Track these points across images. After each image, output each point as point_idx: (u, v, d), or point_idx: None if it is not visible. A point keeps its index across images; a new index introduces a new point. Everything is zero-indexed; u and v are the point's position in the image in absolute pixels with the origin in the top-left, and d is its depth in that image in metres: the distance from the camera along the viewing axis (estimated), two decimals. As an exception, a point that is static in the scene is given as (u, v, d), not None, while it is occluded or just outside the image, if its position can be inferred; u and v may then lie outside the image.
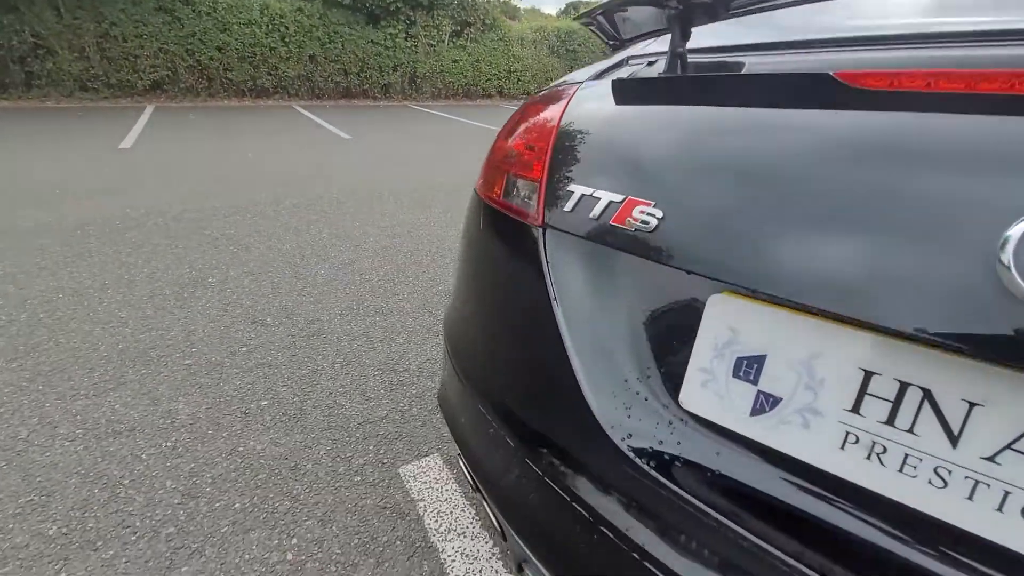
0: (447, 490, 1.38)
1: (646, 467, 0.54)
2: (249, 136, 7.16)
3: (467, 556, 1.19)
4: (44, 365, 1.83)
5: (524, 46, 14.66)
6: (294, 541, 1.21)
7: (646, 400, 0.56)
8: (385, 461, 1.47)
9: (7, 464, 1.40)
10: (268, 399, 1.71)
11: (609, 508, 0.55)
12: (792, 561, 0.44)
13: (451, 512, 1.31)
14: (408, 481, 1.40)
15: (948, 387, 0.39)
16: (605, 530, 0.54)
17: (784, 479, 0.47)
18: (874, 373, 0.42)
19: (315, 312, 2.30)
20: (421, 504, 1.33)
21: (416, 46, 12.87)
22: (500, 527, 0.87)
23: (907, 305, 0.38)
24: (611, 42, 0.80)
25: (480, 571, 1.16)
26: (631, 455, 0.55)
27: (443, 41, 13.19)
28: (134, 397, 1.69)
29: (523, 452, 0.66)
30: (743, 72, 0.63)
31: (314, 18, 11.55)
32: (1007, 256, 0.34)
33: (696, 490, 0.51)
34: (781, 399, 0.47)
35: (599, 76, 0.81)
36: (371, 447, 1.52)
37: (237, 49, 10.72)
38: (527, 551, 0.69)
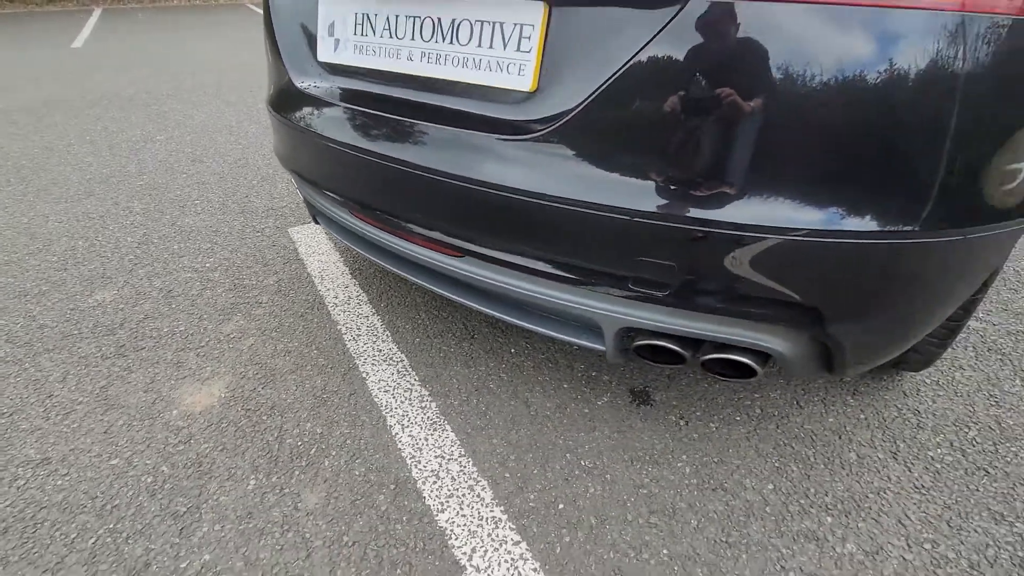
0: (319, 238, 2.04)
1: (320, 96, 1.14)
2: (197, 32, 7.21)
3: (321, 264, 1.87)
4: (31, 187, 2.43)
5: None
6: (211, 259, 1.88)
7: (312, 66, 1.15)
8: (279, 226, 2.12)
9: (17, 232, 2.04)
10: (200, 201, 2.33)
11: (315, 122, 1.15)
12: (360, 108, 1.05)
13: (318, 246, 1.97)
14: (293, 234, 2.06)
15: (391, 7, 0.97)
16: (319, 135, 1.14)
17: (347, 79, 1.08)
18: (367, 13, 0.99)
19: (243, 154, 2.86)
20: (299, 243, 1.99)
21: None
22: (304, 198, 1.51)
23: None
24: None
25: (328, 271, 1.83)
26: (314, 93, 1.15)
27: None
28: (101, 203, 2.30)
29: (282, 116, 1.25)
30: None
31: (256, -99, 10.72)
32: None
33: (336, 97, 1.11)
34: (340, 39, 1.06)
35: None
36: (271, 221, 2.16)
37: (178, -60, 10.13)
38: (311, 194, 1.34)
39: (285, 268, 1.84)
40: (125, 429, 1.21)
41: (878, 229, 0.72)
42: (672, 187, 0.77)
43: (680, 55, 0.71)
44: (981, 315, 1.57)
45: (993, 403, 1.26)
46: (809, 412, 1.25)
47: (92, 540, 0.98)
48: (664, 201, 0.77)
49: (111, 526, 1.00)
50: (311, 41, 1.13)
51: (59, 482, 1.09)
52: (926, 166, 0.70)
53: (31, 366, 1.40)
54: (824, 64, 0.66)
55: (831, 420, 1.23)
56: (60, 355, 1.43)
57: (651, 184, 0.78)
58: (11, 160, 2.76)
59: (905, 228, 0.73)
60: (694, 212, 0.76)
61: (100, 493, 1.06)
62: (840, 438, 1.18)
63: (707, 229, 0.76)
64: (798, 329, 0.86)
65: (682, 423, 1.22)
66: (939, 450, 1.14)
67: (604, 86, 0.76)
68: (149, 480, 1.09)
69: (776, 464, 1.13)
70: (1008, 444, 1.15)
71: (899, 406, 1.26)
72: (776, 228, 0.73)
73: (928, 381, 1.33)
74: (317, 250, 1.94)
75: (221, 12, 9.28)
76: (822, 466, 1.12)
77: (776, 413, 1.25)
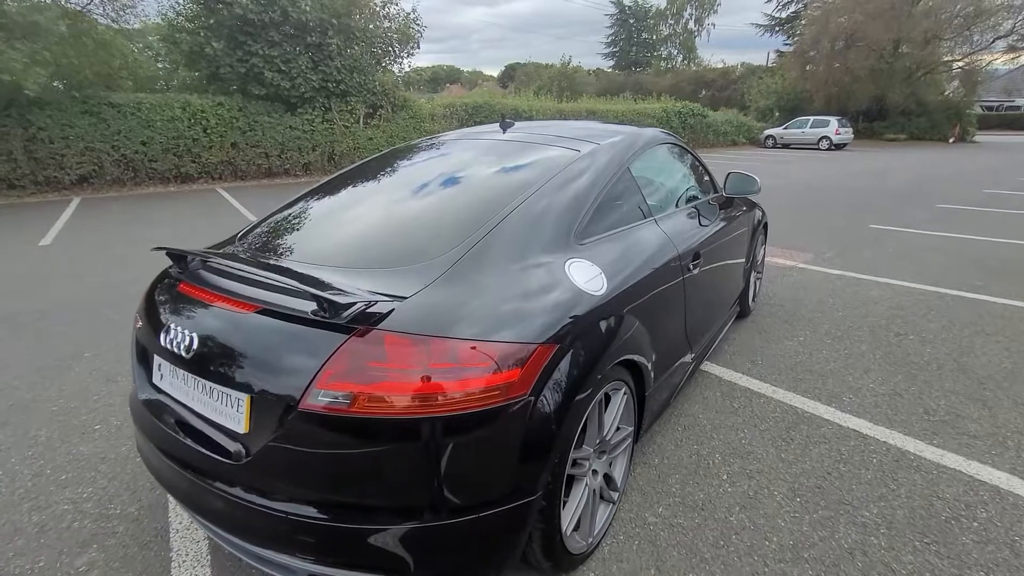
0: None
1: (149, 398, 1.74)
2: (165, 224, 8.22)
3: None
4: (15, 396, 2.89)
5: (435, 120, 16.26)
6: (89, 489, 2.32)
7: (152, 385, 1.78)
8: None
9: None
10: (101, 425, 2.81)
11: (157, 416, 1.74)
12: (167, 409, 1.66)
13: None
14: (169, 457, 2.53)
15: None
16: (159, 423, 1.73)
17: (162, 395, 1.70)
18: (175, 368, 1.64)
19: (155, 370, 3.42)
20: (170, 467, 2.46)
21: (332, 128, 14.22)
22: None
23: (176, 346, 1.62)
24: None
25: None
26: (153, 401, 1.76)
27: (357, 122, 14.64)
28: (12, 433, 2.76)
29: (136, 417, 1.85)
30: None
31: (234, 111, 12.74)
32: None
33: (163, 407, 1.72)
34: (162, 375, 1.70)
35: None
36: (155, 443, 2.64)
37: (161, 143, 11.77)
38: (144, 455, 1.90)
39: (149, 495, 2.29)
40: (-35, 669, 1.56)
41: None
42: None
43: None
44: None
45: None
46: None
47: None
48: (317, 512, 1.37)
49: None
50: (149, 374, 1.78)
51: None
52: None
53: (-96, 612, 1.75)
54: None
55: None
56: (-69, 599, 1.80)
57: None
58: (-52, 386, 3.23)
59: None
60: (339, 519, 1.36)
61: None
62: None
63: (332, 526, 1.35)
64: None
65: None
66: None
67: (274, 437, 1.38)
68: None
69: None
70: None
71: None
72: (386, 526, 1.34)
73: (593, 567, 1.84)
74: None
75: (192, 199, 10.55)
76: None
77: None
